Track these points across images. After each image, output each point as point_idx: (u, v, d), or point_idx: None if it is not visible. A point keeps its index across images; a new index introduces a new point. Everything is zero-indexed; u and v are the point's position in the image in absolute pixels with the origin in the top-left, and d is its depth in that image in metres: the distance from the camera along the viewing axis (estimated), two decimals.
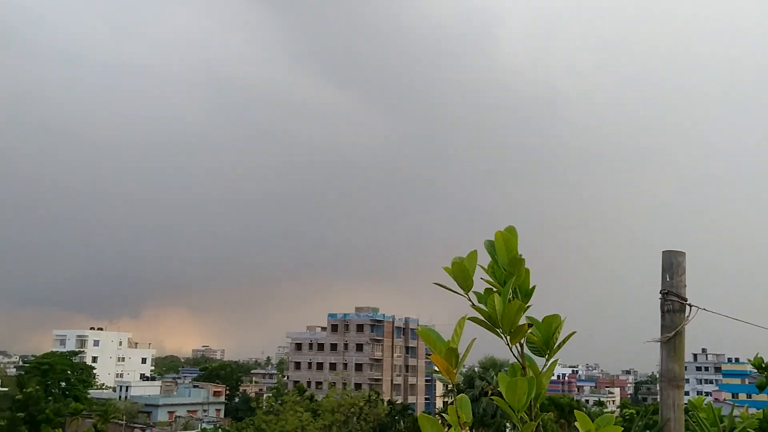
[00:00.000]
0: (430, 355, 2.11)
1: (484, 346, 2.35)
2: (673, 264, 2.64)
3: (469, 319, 2.27)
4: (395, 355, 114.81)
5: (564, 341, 2.36)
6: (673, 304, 2.64)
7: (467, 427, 2.24)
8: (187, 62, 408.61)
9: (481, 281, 2.39)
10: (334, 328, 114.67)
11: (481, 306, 2.33)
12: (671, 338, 2.64)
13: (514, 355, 2.36)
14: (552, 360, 2.39)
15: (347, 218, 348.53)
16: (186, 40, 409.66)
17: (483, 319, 2.29)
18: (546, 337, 2.33)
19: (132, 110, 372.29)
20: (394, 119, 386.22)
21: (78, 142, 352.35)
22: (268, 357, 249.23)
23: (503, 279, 2.35)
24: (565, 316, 2.36)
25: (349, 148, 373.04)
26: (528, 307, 2.32)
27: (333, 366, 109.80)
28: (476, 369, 64.02)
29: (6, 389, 68.68)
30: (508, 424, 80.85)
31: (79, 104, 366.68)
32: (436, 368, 2.19)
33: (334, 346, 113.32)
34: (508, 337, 2.29)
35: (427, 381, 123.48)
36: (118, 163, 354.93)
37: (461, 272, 2.28)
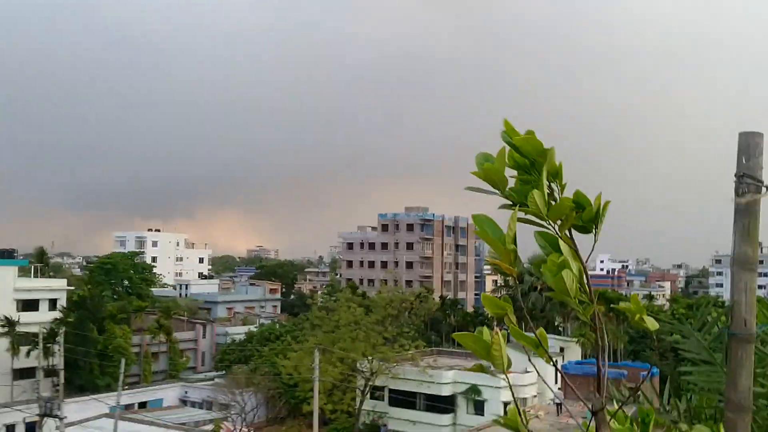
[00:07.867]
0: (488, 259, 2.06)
1: (531, 240, 2.28)
2: (750, 146, 2.54)
3: (519, 220, 2.19)
4: (445, 253, 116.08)
5: (603, 213, 2.25)
6: (749, 187, 2.53)
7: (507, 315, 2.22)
8: None
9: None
10: (385, 227, 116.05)
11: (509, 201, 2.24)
12: (744, 222, 2.53)
13: (563, 240, 2.24)
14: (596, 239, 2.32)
15: (396, 117, 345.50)
16: None
17: (529, 217, 2.24)
18: (590, 217, 2.25)
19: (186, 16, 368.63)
20: (445, 13, 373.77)
21: (135, 48, 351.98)
22: (321, 256, 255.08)
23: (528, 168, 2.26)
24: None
25: (399, 44, 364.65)
26: (564, 186, 2.23)
27: (384, 264, 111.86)
28: (525, 265, 64.45)
29: (72, 288, 71.97)
30: (558, 318, 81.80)
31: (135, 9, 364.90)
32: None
33: (384, 245, 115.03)
34: (556, 227, 2.23)
35: (476, 277, 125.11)
36: (168, 67, 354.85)
37: (493, 173, 2.18)
